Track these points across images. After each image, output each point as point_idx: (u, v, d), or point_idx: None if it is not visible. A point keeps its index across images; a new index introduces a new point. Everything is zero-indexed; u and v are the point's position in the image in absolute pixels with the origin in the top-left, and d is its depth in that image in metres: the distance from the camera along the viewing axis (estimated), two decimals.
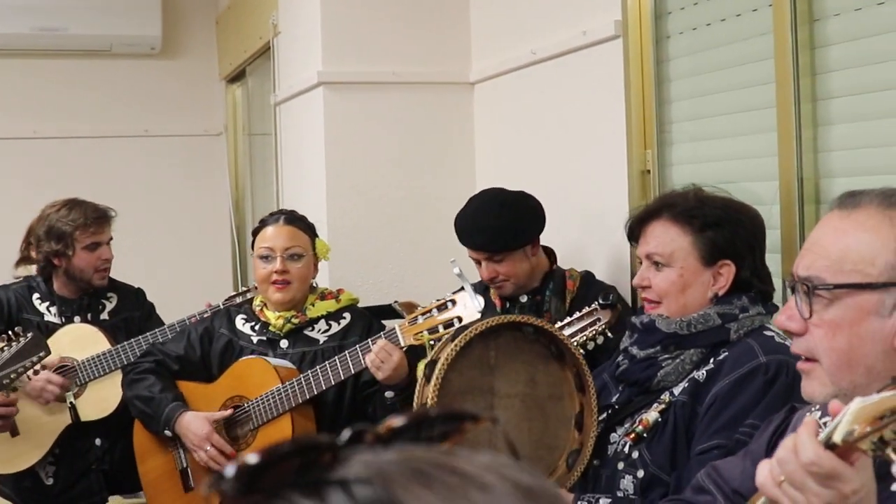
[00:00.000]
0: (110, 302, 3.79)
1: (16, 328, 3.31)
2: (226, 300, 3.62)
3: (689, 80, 3.09)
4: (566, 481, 2.31)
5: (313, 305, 3.19)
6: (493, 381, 2.32)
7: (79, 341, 3.60)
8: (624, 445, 2.29)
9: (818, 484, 1.21)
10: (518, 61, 3.85)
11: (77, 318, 3.69)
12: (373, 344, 2.88)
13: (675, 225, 2.32)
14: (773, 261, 2.49)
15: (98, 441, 3.61)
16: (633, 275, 3.23)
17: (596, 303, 2.73)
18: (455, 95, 4.30)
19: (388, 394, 2.91)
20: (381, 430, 0.66)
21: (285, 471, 0.62)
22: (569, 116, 3.59)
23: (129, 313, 3.81)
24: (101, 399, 3.45)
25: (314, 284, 3.27)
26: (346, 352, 2.94)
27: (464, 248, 3.13)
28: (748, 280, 2.30)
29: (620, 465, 2.29)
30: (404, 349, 2.87)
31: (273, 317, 3.18)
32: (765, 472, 1.28)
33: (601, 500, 2.21)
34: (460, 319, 2.76)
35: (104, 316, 3.75)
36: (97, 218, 3.67)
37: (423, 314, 2.86)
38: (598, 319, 2.71)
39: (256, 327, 3.21)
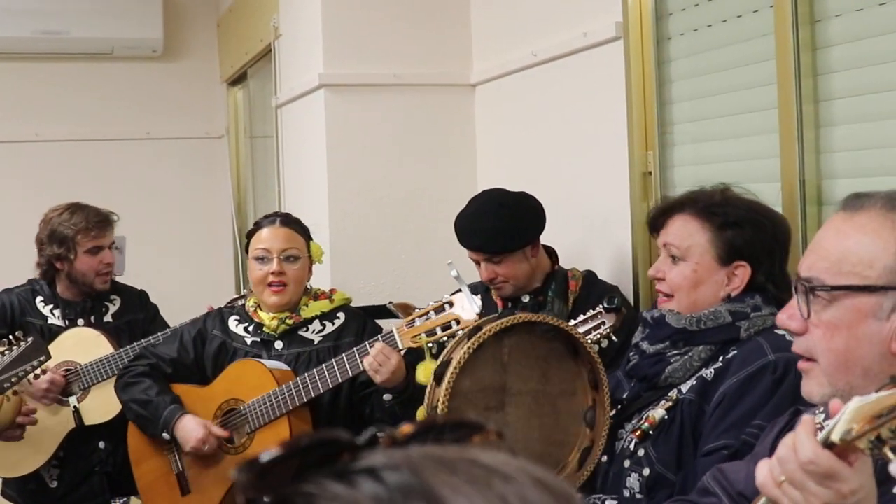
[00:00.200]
0: (114, 304, 3.80)
1: (16, 333, 3.31)
2: (227, 304, 3.61)
3: (690, 81, 3.09)
4: (576, 480, 2.31)
5: (307, 306, 3.18)
6: (506, 379, 2.31)
7: (82, 345, 3.61)
8: (630, 442, 2.29)
9: (817, 483, 1.21)
10: (519, 63, 3.85)
11: (80, 321, 3.69)
12: (370, 347, 2.87)
13: (695, 220, 2.31)
14: None
15: (101, 444, 3.61)
16: (635, 275, 3.24)
17: (601, 306, 2.71)
18: (456, 97, 4.30)
19: (387, 396, 2.90)
20: (396, 434, 0.67)
21: (310, 461, 0.63)
22: (570, 118, 3.59)
23: (133, 316, 3.81)
24: (104, 403, 3.45)
25: (308, 286, 3.26)
26: (344, 354, 2.93)
27: (465, 248, 3.13)
28: (763, 285, 2.28)
29: (627, 463, 2.28)
30: (402, 352, 2.86)
31: (267, 318, 3.16)
32: (764, 472, 1.28)
33: (607, 503, 2.21)
34: (458, 321, 2.75)
35: (108, 318, 3.76)
36: (99, 222, 3.68)
37: (420, 316, 2.84)
38: (603, 323, 2.69)
39: (250, 328, 3.20)
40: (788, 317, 1.53)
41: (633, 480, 2.26)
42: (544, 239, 3.14)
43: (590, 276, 3.13)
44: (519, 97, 3.94)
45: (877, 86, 2.45)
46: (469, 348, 2.24)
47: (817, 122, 2.62)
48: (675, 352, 2.28)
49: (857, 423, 1.17)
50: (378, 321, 3.28)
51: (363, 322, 3.21)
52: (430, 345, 2.78)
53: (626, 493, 2.27)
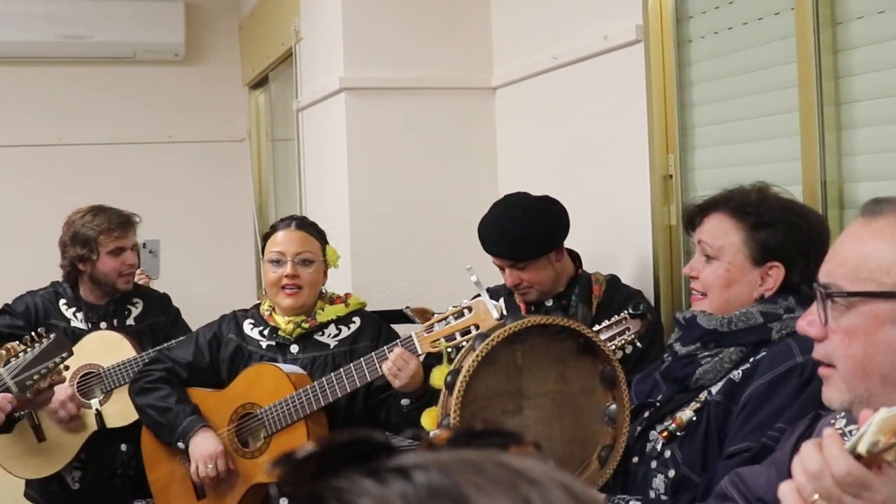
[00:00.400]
0: (136, 307, 3.82)
1: (38, 329, 3.33)
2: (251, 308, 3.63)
3: (710, 84, 3.08)
4: (598, 479, 2.30)
5: (322, 310, 3.19)
6: (522, 383, 2.31)
7: (104, 348, 3.63)
8: (658, 443, 2.28)
9: (853, 497, 1.21)
10: (540, 66, 3.85)
11: (103, 324, 3.72)
12: (389, 352, 2.87)
13: (729, 219, 2.29)
14: None
15: (123, 447, 3.63)
16: (655, 279, 3.23)
17: (625, 312, 2.69)
18: (477, 100, 4.31)
19: (405, 401, 2.90)
20: (433, 439, 0.69)
21: (343, 457, 0.65)
22: (590, 121, 3.59)
23: (155, 318, 3.84)
24: (126, 406, 3.47)
25: (323, 290, 3.26)
26: (362, 359, 2.93)
27: (489, 255, 3.12)
28: (797, 286, 2.24)
29: (653, 464, 2.27)
30: (422, 357, 2.86)
31: (283, 321, 3.17)
32: (790, 493, 1.27)
33: (631, 502, 2.20)
34: (477, 327, 2.74)
35: (130, 322, 3.78)
36: (121, 223, 3.70)
37: (439, 321, 2.83)
38: (628, 329, 2.66)
39: (265, 332, 3.21)
40: (808, 323, 1.52)
41: (658, 482, 2.25)
42: (566, 241, 3.13)
43: (613, 281, 3.12)
44: (539, 100, 3.94)
45: None
46: (478, 356, 2.24)
47: (839, 125, 2.60)
48: (706, 353, 2.26)
49: (883, 434, 1.18)
50: (394, 326, 3.28)
51: (379, 327, 3.21)
52: (449, 350, 2.77)
53: (652, 495, 2.26)
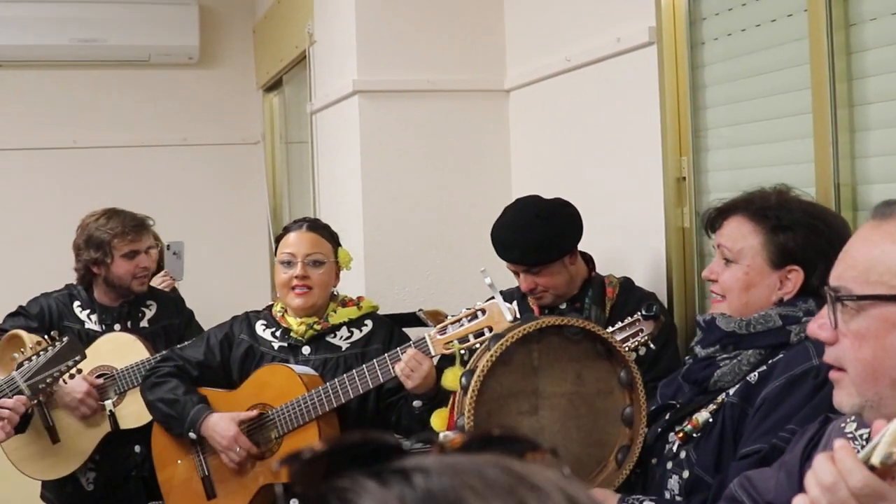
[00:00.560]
0: (150, 310, 3.83)
1: (52, 332, 3.35)
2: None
3: (724, 86, 3.07)
4: (615, 479, 2.30)
5: (335, 312, 3.19)
6: (538, 383, 2.31)
7: (118, 350, 3.64)
8: (674, 444, 2.28)
9: None
10: (553, 68, 3.85)
11: (117, 326, 3.73)
12: (402, 353, 2.87)
13: (749, 222, 2.28)
14: None
15: (137, 448, 3.64)
16: (669, 281, 3.22)
17: (639, 313, 2.68)
18: (490, 103, 4.31)
19: (417, 403, 2.90)
20: (446, 443, 0.69)
21: (352, 457, 0.65)
22: (604, 123, 3.58)
23: (169, 321, 3.85)
24: (140, 407, 3.47)
25: (335, 292, 3.27)
26: (375, 360, 2.93)
27: (502, 260, 3.12)
28: (817, 289, 2.21)
29: (669, 465, 2.28)
30: (435, 359, 2.86)
31: (295, 323, 3.17)
32: None
33: (645, 503, 2.20)
34: (491, 329, 2.74)
35: (144, 324, 3.79)
36: (135, 226, 3.72)
37: (452, 323, 2.83)
38: (641, 330, 2.66)
39: (277, 333, 3.21)
40: (819, 326, 1.51)
41: (673, 482, 2.25)
42: (579, 244, 3.12)
43: (627, 283, 3.12)
44: (553, 102, 3.94)
45: None
46: (492, 356, 2.24)
47: (852, 127, 2.59)
48: (725, 356, 2.26)
49: None
50: (406, 329, 3.28)
51: (390, 330, 3.22)
52: (462, 351, 2.77)
53: (667, 495, 2.26)
